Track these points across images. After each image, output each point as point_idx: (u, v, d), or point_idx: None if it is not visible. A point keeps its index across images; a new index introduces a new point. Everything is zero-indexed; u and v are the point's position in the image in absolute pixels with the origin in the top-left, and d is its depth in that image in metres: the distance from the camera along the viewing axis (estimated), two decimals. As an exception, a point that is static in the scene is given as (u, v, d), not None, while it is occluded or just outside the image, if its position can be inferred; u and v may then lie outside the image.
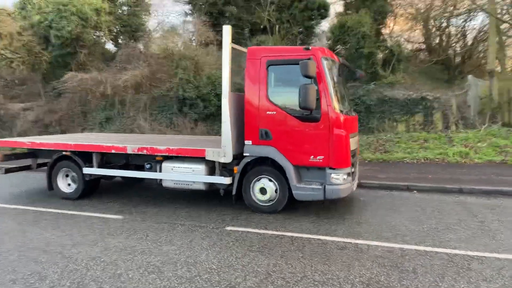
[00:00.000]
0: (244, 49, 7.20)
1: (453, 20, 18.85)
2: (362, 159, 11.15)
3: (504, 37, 17.10)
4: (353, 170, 6.65)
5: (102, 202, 7.63)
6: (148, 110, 14.84)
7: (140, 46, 17.41)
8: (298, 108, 6.07)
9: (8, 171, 8.33)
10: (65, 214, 6.83)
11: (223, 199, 7.28)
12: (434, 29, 19.75)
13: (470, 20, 18.63)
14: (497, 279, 4.10)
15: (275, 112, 6.37)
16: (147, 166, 7.36)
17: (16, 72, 16.68)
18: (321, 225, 5.98)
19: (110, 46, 19.47)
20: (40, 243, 5.36)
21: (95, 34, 17.17)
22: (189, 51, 15.07)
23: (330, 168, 6.16)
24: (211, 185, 6.97)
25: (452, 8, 18.31)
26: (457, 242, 5.18)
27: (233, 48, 6.58)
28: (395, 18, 19.08)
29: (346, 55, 14.84)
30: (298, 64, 5.87)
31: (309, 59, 5.90)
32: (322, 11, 16.97)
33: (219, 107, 13.07)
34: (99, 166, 7.62)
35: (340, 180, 6.18)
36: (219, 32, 15.67)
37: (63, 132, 14.79)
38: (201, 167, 6.85)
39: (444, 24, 19.16)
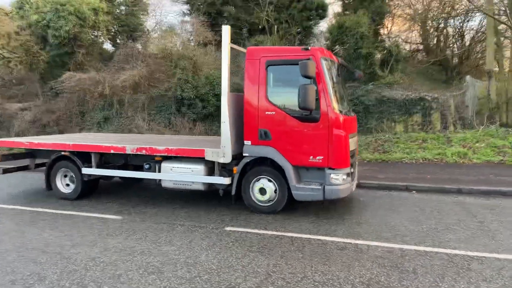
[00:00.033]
0: (243, 49, 7.20)
1: (451, 21, 18.94)
2: (361, 159, 11.17)
3: (501, 38, 17.17)
4: (352, 170, 6.65)
5: (101, 202, 7.60)
6: (146, 110, 14.82)
7: (138, 46, 17.38)
8: (297, 108, 6.07)
9: (6, 171, 8.28)
10: (64, 214, 6.80)
11: (222, 199, 7.27)
12: (432, 30, 19.84)
13: (468, 21, 18.77)
14: (497, 279, 4.11)
15: (274, 112, 6.37)
16: (146, 166, 7.33)
17: (13, 72, 16.65)
18: (321, 226, 5.98)
19: (108, 46, 19.47)
20: (39, 243, 5.33)
21: (93, 34, 17.14)
22: (187, 51, 15.06)
23: (330, 168, 6.16)
24: (210, 185, 6.96)
25: (449, 9, 18.38)
26: (456, 242, 5.19)
27: (232, 48, 6.57)
28: (393, 19, 19.15)
29: (344, 55, 14.87)
30: (297, 64, 5.86)
31: (308, 59, 5.89)
32: (320, 12, 17.03)
33: (217, 107, 13.17)
34: (98, 166, 7.59)
35: (339, 181, 6.18)
36: (217, 32, 15.73)
37: (61, 132, 14.73)
38: (200, 167, 6.84)
39: (442, 25, 19.23)
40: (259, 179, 6.62)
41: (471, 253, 4.78)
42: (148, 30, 19.54)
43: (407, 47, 19.86)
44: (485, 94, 13.75)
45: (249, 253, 4.89)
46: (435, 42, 19.93)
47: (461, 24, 19.03)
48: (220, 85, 6.51)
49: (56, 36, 15.12)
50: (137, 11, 18.63)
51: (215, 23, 16.82)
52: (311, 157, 6.21)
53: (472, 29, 19.16)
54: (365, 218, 6.39)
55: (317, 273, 4.29)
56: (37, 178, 9.67)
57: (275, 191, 6.56)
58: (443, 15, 18.48)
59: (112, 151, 7.31)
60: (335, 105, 6.19)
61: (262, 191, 6.60)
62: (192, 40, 16.90)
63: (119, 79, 14.59)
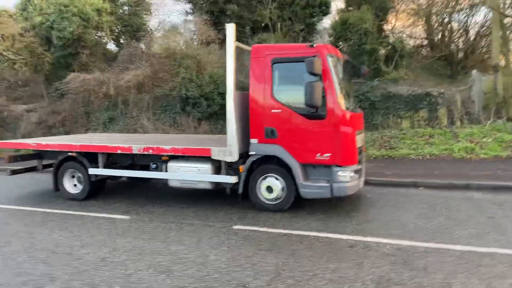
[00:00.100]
0: (247, 47, 7.17)
1: (455, 16, 18.77)
2: (368, 155, 11.11)
3: (507, 32, 17.00)
4: (359, 167, 6.63)
5: (108, 202, 7.63)
6: (151, 110, 14.84)
7: (142, 45, 17.37)
8: (303, 106, 6.05)
9: (14, 172, 8.35)
10: (72, 215, 6.84)
11: (229, 198, 7.26)
12: (436, 25, 19.65)
13: (473, 15, 18.54)
14: (510, 274, 4.07)
15: (280, 110, 6.35)
16: (153, 166, 7.35)
17: (18, 73, 16.69)
18: (329, 223, 5.96)
19: (112, 46, 19.46)
20: (48, 244, 5.36)
21: (97, 34, 17.15)
22: (191, 50, 15.06)
23: (337, 165, 6.14)
24: (217, 184, 6.96)
25: (454, 3, 18.22)
26: (467, 238, 5.15)
27: (236, 47, 6.55)
28: (397, 14, 19.01)
29: (348, 51, 14.78)
30: (303, 61, 5.85)
31: (314, 56, 5.86)
32: (324, 8, 16.91)
33: (222, 106, 13.15)
34: (105, 167, 7.61)
35: (347, 178, 6.15)
36: (221, 31, 15.70)
37: (66, 133, 14.78)
38: (207, 166, 6.84)
39: (446, 20, 19.07)
40: (266, 177, 6.61)
41: (482, 249, 4.74)
42: (151, 29, 19.52)
43: (412, 42, 19.70)
44: (492, 88, 13.61)
45: (258, 252, 4.88)
46: (439, 37, 19.76)
47: (465, 18, 18.88)
48: (225, 84, 6.50)
49: (60, 37, 15.15)
50: (140, 11, 18.62)
51: (218, 22, 16.78)
52: (318, 154, 6.19)
53: (477, 23, 18.99)
54: (373, 215, 6.37)
55: (327, 271, 4.28)
56: (44, 179, 9.71)
57: (282, 189, 6.54)
58: (448, 9, 18.31)
59: (119, 151, 7.34)
60: (341, 102, 6.16)
61: (269, 189, 6.59)
62: (195, 39, 16.89)
63: (123, 79, 14.60)
